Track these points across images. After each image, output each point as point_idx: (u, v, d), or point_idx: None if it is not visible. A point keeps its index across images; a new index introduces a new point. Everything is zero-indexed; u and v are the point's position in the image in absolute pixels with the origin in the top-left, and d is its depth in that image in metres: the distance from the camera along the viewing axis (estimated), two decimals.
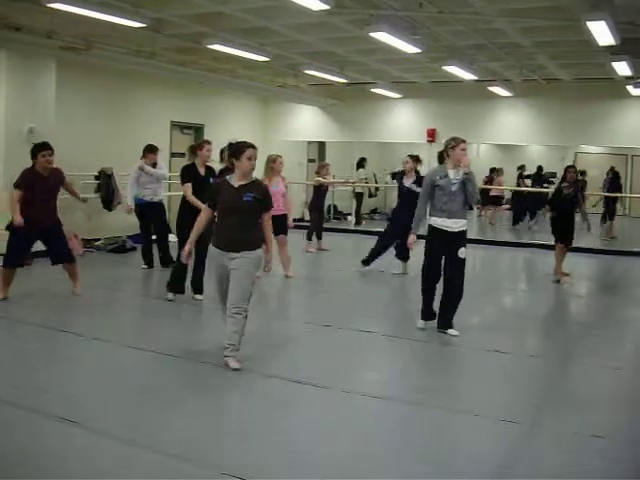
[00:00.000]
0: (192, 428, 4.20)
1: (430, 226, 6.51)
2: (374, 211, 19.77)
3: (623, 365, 5.82)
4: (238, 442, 4.03)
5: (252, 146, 5.30)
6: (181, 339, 6.28)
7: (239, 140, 5.58)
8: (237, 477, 3.53)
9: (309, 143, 17.70)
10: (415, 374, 5.56)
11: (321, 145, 18.07)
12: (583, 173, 14.78)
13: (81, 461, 3.70)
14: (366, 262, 10.04)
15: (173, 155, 13.58)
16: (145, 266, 9.82)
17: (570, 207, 9.60)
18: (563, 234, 9.69)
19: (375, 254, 10.00)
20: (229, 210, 5.27)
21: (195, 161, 7.62)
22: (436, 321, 6.63)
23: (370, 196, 19.25)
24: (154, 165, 9.83)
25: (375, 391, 4.93)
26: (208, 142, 7.80)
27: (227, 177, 5.42)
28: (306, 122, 16.85)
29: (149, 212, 9.81)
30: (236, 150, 5.31)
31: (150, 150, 9.84)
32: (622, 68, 10.91)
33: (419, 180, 9.25)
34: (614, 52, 9.84)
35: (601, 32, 8.12)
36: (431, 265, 6.51)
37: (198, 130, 14.52)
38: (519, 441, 4.18)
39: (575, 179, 9.67)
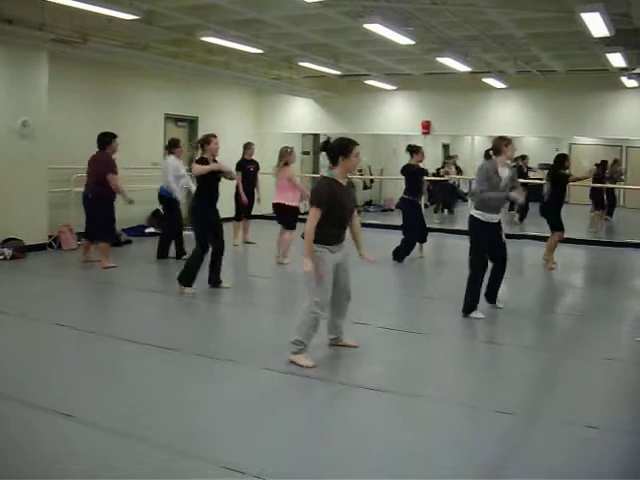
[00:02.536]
0: (189, 420, 4.21)
1: (478, 220, 6.84)
2: (369, 203, 19.78)
3: (616, 356, 5.83)
4: (235, 435, 4.04)
5: (357, 143, 5.29)
6: (181, 333, 6.29)
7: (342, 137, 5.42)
8: (237, 471, 3.53)
9: (303, 135, 17.67)
10: (409, 366, 5.56)
11: (315, 137, 18.04)
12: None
13: (75, 455, 3.70)
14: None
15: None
16: (185, 255, 9.61)
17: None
18: None
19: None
20: (345, 208, 5.29)
21: (204, 155, 7.68)
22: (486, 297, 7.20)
23: (365, 188, 19.27)
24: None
25: (371, 383, 4.93)
26: (214, 135, 7.83)
27: (328, 174, 5.27)
28: (300, 114, 16.81)
29: (176, 205, 9.93)
30: (344, 147, 5.24)
31: (177, 145, 10.08)
32: (616, 59, 10.90)
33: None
34: (608, 43, 9.83)
35: (595, 23, 8.11)
36: (483, 256, 6.92)
37: (192, 123, 14.49)
38: (514, 432, 4.20)
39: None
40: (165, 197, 9.94)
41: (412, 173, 10.33)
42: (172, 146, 10.08)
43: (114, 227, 9.53)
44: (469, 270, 6.97)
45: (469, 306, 6.89)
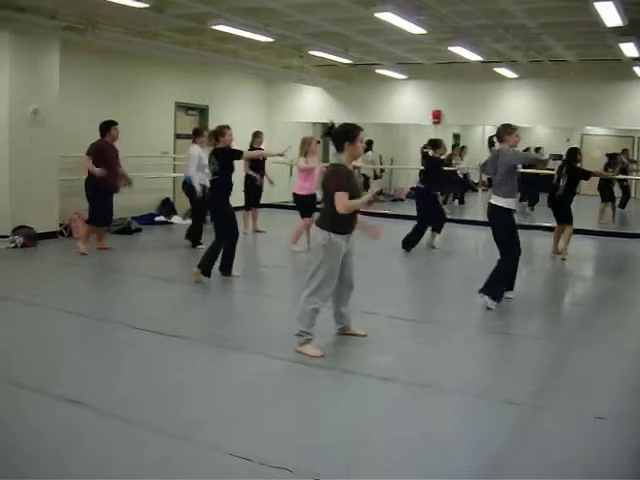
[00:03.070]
0: (196, 408, 4.24)
1: (506, 209, 6.79)
2: (379, 193, 19.72)
3: (628, 347, 5.82)
4: (242, 424, 4.06)
5: (362, 128, 5.27)
6: (191, 321, 6.31)
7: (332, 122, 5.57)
8: (243, 458, 3.54)
9: (314, 124, 17.63)
10: (418, 355, 5.57)
11: (325, 126, 17.94)
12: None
13: (87, 443, 3.73)
14: None
15: (178, 137, 13.56)
16: (200, 245, 9.73)
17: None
18: None
19: None
20: (358, 193, 5.28)
21: (219, 146, 7.78)
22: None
23: (375, 178, 19.23)
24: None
25: (377, 372, 4.94)
26: (228, 127, 7.90)
27: (338, 161, 5.23)
28: (311, 103, 16.77)
29: (203, 194, 9.89)
30: (350, 132, 5.22)
31: (200, 134, 10.05)
32: (629, 49, 10.81)
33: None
34: (621, 33, 9.74)
35: (608, 13, 8.06)
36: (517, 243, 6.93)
37: (203, 111, 14.48)
38: (521, 422, 4.20)
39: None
40: (190, 186, 9.91)
41: (436, 164, 10.46)
42: (196, 135, 10.09)
43: (100, 213, 9.37)
44: (502, 260, 6.90)
45: (499, 295, 6.89)
